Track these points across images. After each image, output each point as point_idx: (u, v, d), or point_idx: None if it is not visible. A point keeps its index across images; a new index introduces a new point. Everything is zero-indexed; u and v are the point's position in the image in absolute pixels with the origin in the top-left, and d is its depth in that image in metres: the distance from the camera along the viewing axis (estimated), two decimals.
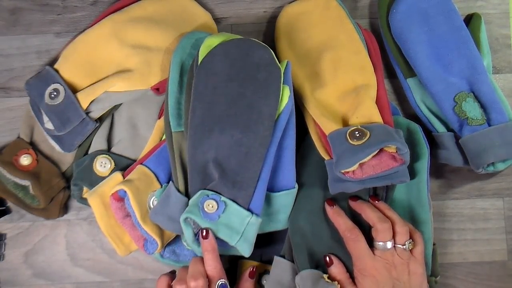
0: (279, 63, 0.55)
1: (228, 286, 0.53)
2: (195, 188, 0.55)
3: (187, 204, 0.55)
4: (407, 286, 0.54)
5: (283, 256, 0.60)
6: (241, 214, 0.54)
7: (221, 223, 0.53)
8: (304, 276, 0.56)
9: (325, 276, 0.55)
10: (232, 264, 0.63)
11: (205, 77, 0.54)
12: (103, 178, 0.61)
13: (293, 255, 0.59)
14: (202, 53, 0.55)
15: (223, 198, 0.53)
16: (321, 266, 0.57)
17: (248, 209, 0.54)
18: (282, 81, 0.54)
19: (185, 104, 0.57)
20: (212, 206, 0.53)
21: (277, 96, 0.54)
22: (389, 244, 0.54)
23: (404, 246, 0.55)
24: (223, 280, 0.53)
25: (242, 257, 0.62)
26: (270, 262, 0.61)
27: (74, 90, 0.60)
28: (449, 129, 0.63)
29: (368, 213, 0.56)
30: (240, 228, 0.54)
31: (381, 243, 0.54)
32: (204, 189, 0.54)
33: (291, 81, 0.56)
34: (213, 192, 0.54)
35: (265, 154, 0.54)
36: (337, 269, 0.56)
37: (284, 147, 0.56)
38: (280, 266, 0.60)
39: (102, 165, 0.62)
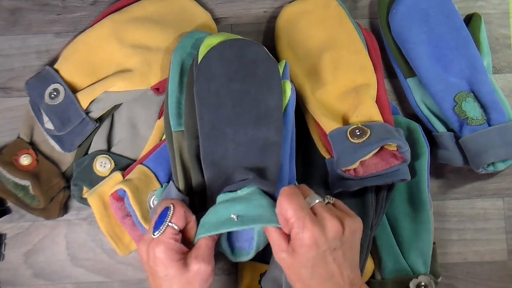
0: (278, 62, 0.55)
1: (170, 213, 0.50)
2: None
3: (187, 203, 0.55)
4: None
5: None
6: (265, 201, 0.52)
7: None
8: None
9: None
10: (232, 264, 0.63)
11: (205, 81, 0.54)
12: (103, 178, 0.61)
13: None
14: (202, 53, 0.55)
15: (257, 229, 0.52)
16: None
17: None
18: (280, 74, 0.54)
19: (185, 104, 0.57)
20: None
21: (280, 88, 0.54)
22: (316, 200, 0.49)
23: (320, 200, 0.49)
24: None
25: None
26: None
27: (74, 90, 0.60)
28: (449, 129, 0.63)
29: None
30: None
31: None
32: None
33: (290, 80, 0.56)
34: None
35: (282, 144, 0.54)
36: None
37: (284, 146, 0.56)
38: (278, 265, 0.59)
39: (102, 165, 0.62)
